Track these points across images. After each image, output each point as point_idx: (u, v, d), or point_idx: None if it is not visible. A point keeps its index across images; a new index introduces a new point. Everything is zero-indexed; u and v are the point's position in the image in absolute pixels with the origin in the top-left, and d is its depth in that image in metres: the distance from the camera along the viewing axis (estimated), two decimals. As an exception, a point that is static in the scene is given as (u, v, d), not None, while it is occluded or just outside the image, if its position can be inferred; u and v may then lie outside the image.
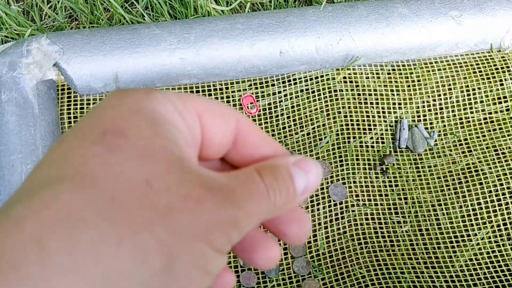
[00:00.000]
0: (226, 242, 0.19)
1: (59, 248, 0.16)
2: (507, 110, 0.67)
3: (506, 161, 0.64)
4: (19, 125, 0.57)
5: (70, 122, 0.63)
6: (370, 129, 0.66)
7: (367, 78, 0.68)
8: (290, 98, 0.67)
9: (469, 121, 0.67)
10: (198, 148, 0.22)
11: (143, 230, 0.17)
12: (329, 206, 0.62)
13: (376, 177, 0.64)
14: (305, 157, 0.23)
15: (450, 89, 0.69)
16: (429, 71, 0.69)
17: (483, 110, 0.67)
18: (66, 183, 0.18)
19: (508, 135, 0.66)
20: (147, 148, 0.19)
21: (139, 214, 0.18)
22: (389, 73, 0.69)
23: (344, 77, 0.68)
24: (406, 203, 0.63)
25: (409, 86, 0.68)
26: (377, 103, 0.67)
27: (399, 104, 0.68)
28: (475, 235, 0.61)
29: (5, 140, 0.56)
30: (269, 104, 0.67)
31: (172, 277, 0.18)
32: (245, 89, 0.67)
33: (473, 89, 0.68)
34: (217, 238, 0.19)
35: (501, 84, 0.68)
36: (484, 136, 0.66)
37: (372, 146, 0.66)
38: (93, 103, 0.64)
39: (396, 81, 0.69)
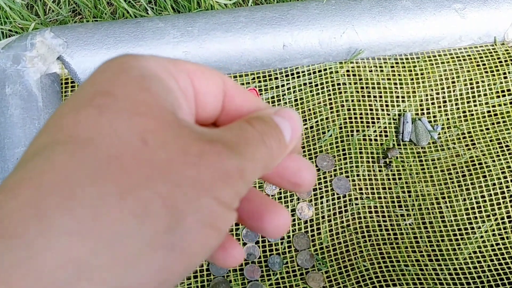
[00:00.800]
0: (234, 195, 0.19)
1: (57, 210, 0.16)
2: (511, 103, 0.67)
3: (510, 154, 0.64)
4: (23, 118, 0.57)
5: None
6: (373, 123, 0.66)
7: (371, 71, 0.68)
8: (294, 92, 0.67)
9: (472, 114, 0.67)
10: (193, 110, 0.22)
11: (144, 187, 0.17)
12: (333, 199, 0.62)
13: (380, 170, 0.64)
14: (283, 107, 0.23)
15: (453, 82, 0.68)
16: (432, 64, 0.69)
17: (486, 103, 0.67)
18: (59, 147, 0.17)
19: (512, 128, 0.66)
20: (138, 105, 0.18)
21: (138, 171, 0.17)
22: (392, 66, 0.69)
23: (348, 71, 0.68)
24: (409, 196, 0.63)
25: (412, 79, 0.68)
26: (381, 96, 0.67)
27: (403, 97, 0.68)
28: (479, 227, 0.61)
29: (10, 133, 0.56)
30: (272, 97, 0.67)
31: (178, 235, 0.17)
32: (249, 83, 0.67)
33: (477, 82, 0.68)
34: (224, 191, 0.18)
35: (505, 77, 0.68)
36: (488, 129, 0.66)
37: (376, 140, 0.66)
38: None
39: (399, 74, 0.68)
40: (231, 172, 0.19)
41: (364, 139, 0.65)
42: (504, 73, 0.68)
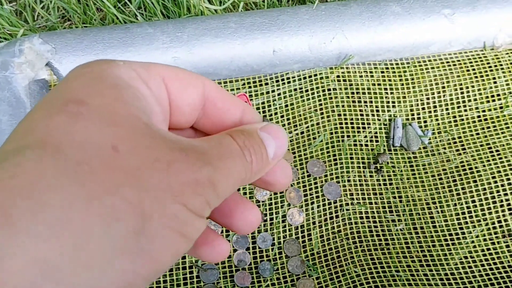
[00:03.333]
0: (203, 204, 0.19)
1: (25, 214, 0.16)
2: (501, 107, 0.67)
3: (500, 158, 0.64)
4: (11, 124, 0.57)
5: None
6: (364, 128, 0.66)
7: (361, 76, 0.68)
8: (284, 97, 0.67)
9: (462, 119, 0.67)
10: (167, 115, 0.22)
11: (112, 192, 0.17)
12: (323, 205, 0.62)
13: (371, 176, 0.64)
14: (270, 123, 0.23)
15: (443, 87, 0.69)
16: (422, 70, 0.69)
17: (476, 108, 0.67)
18: (29, 151, 0.17)
19: (502, 133, 0.66)
20: (110, 114, 0.18)
21: (107, 177, 0.17)
22: (382, 72, 0.69)
23: (338, 76, 0.68)
24: (400, 201, 0.63)
25: (402, 84, 0.68)
26: (371, 102, 0.67)
27: (393, 102, 0.68)
28: (470, 233, 0.61)
29: (-3, 140, 0.56)
30: (263, 103, 0.67)
31: (145, 239, 0.18)
32: (239, 88, 0.67)
33: (467, 87, 0.68)
34: (192, 199, 0.19)
35: (495, 82, 0.68)
36: (478, 134, 0.66)
37: (366, 145, 0.65)
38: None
39: (389, 80, 0.68)
40: (201, 182, 0.19)
41: (355, 145, 0.65)
42: (494, 78, 0.68)
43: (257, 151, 0.22)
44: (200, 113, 0.23)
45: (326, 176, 0.63)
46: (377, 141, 0.66)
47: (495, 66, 0.69)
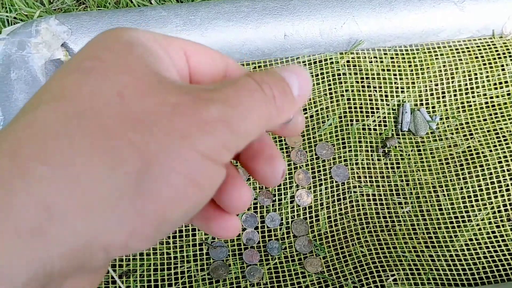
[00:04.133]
0: (217, 147, 0.18)
1: (32, 158, 0.17)
2: (508, 94, 0.68)
3: (506, 144, 0.65)
4: (28, 102, 0.58)
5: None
6: (373, 112, 0.67)
7: (371, 62, 0.69)
8: (294, 81, 0.68)
9: (470, 105, 0.68)
10: (186, 81, 0.22)
11: (116, 136, 0.17)
12: (331, 187, 0.63)
13: (378, 159, 0.65)
14: (293, 65, 0.22)
15: (452, 74, 0.69)
16: (432, 56, 0.70)
17: (484, 95, 0.68)
18: (42, 105, 0.18)
19: (509, 119, 0.66)
20: (120, 65, 0.19)
21: (111, 122, 0.17)
22: (392, 58, 0.70)
23: (348, 61, 0.69)
24: (407, 184, 0.64)
25: (412, 70, 0.69)
26: (380, 87, 0.68)
27: (402, 88, 0.68)
28: (475, 216, 0.62)
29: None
30: (273, 86, 0.68)
31: (149, 181, 0.17)
32: (250, 72, 0.68)
33: (475, 74, 0.69)
34: (202, 140, 0.18)
35: (503, 70, 0.69)
36: (485, 119, 0.67)
37: (375, 129, 0.66)
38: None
39: (399, 66, 0.69)
40: (209, 121, 0.18)
41: (364, 129, 0.66)
42: (502, 66, 0.69)
43: (278, 85, 0.20)
44: None
45: (334, 158, 0.64)
46: (385, 125, 0.67)
47: (503, 53, 0.70)
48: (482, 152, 0.65)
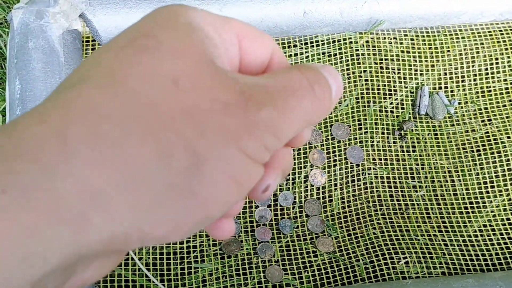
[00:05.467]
0: (261, 149, 0.18)
1: (80, 140, 0.16)
2: (530, 80, 0.67)
3: (525, 131, 0.64)
4: (45, 72, 0.58)
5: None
6: (390, 95, 0.66)
7: (390, 43, 0.68)
8: (312, 60, 0.67)
9: (490, 90, 0.67)
10: (236, 66, 0.22)
11: (168, 128, 0.17)
12: (346, 168, 0.63)
13: (394, 142, 0.64)
14: (327, 65, 0.22)
15: (473, 57, 0.68)
16: (452, 39, 0.69)
17: (505, 80, 0.67)
18: (91, 81, 0.17)
19: (530, 105, 0.65)
20: (177, 49, 0.18)
21: (164, 112, 0.17)
22: (412, 39, 0.69)
23: (367, 41, 0.68)
24: (422, 168, 0.63)
25: (432, 53, 0.68)
26: (399, 69, 0.67)
27: (421, 71, 0.67)
28: (490, 202, 0.61)
29: (31, 86, 0.57)
30: (291, 64, 0.67)
31: (197, 181, 0.17)
32: (268, 49, 0.67)
33: (496, 59, 0.68)
34: (248, 143, 0.18)
35: (525, 55, 0.68)
36: (504, 105, 0.66)
37: (392, 111, 0.66)
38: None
39: (419, 48, 0.68)
40: (258, 124, 0.18)
41: (380, 111, 0.65)
42: (525, 51, 0.68)
43: (326, 86, 0.20)
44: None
45: (350, 140, 0.64)
46: (402, 108, 0.66)
47: (527, 39, 0.68)
48: (500, 139, 0.64)
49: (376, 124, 0.65)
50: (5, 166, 0.15)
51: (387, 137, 0.64)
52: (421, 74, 0.67)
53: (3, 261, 0.14)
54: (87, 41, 0.65)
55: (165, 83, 0.17)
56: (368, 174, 0.63)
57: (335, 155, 0.63)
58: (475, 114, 0.66)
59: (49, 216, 0.15)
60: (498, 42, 0.69)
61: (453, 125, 0.65)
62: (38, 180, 0.15)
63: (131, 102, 0.17)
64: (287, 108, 0.19)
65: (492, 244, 0.59)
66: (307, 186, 0.62)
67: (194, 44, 0.18)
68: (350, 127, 0.64)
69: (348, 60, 0.67)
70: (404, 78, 0.67)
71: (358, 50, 0.67)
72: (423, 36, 0.69)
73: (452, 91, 0.67)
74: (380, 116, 0.65)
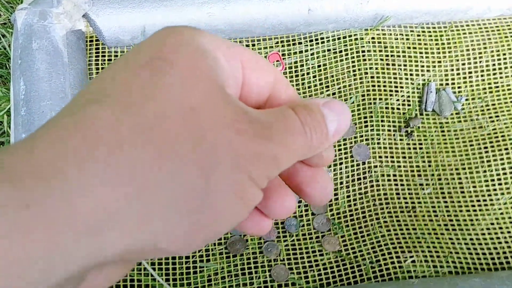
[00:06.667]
0: (264, 177, 0.20)
1: (99, 160, 0.17)
2: (539, 76, 0.66)
3: (534, 127, 0.63)
4: (49, 72, 0.58)
5: (98, 73, 0.64)
6: (396, 91, 0.66)
7: (396, 39, 0.67)
8: (317, 57, 0.66)
9: (498, 86, 0.66)
10: (238, 95, 0.23)
11: (184, 151, 0.18)
12: (352, 166, 0.62)
13: (401, 139, 0.64)
14: (334, 99, 0.23)
15: (480, 53, 0.67)
16: (459, 35, 0.68)
17: (513, 76, 0.66)
18: (110, 101, 0.18)
19: (538, 101, 0.64)
20: (192, 77, 0.19)
21: (180, 135, 0.18)
22: (418, 35, 0.68)
23: (373, 38, 0.67)
24: (429, 166, 0.63)
25: (438, 49, 0.67)
26: (405, 65, 0.67)
27: (428, 67, 0.67)
28: (498, 200, 0.61)
29: (36, 87, 0.57)
30: (295, 62, 0.66)
31: (209, 201, 0.18)
32: (272, 47, 0.67)
33: (504, 54, 0.67)
34: (256, 170, 0.19)
35: (534, 50, 0.67)
36: (513, 101, 0.65)
37: (398, 108, 0.65)
38: (121, 56, 0.64)
39: (425, 44, 0.67)
40: (265, 156, 0.19)
41: (387, 108, 0.65)
42: (533, 46, 0.67)
43: (317, 128, 0.22)
44: (263, 102, 0.24)
45: (356, 137, 0.63)
46: (409, 105, 0.65)
47: (535, 33, 0.67)
48: (508, 135, 0.63)
49: (382, 121, 0.64)
50: (29, 183, 0.16)
51: (394, 135, 0.64)
52: (427, 70, 0.67)
53: (26, 268, 0.15)
54: (91, 41, 0.65)
55: (182, 109, 0.18)
56: (375, 172, 0.62)
57: (341, 153, 0.63)
58: (483, 110, 0.65)
59: (67, 231, 0.16)
60: (506, 37, 0.68)
61: (460, 121, 0.64)
62: (58, 197, 0.16)
63: (149, 125, 0.18)
64: (286, 145, 0.20)
65: (500, 243, 0.58)
66: (312, 185, 0.62)
67: (207, 71, 0.20)
68: (356, 124, 0.64)
69: (353, 57, 0.66)
70: (411, 74, 0.66)
71: (363, 46, 0.67)
72: (430, 32, 0.68)
73: (459, 87, 0.66)
74: (386, 113, 0.65)
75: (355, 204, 0.61)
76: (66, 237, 0.16)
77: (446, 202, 0.61)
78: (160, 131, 0.18)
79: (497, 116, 0.64)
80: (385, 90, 0.65)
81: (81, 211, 0.16)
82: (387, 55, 0.67)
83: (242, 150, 0.19)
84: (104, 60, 0.65)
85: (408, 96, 0.65)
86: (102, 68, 0.64)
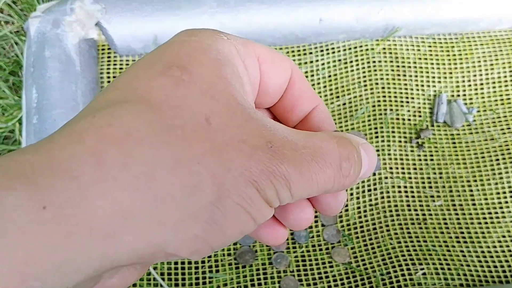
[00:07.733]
0: (274, 196, 0.20)
1: (116, 163, 0.17)
2: (551, 88, 0.65)
3: (546, 139, 0.63)
4: (61, 81, 0.58)
5: (109, 82, 0.64)
6: (407, 102, 0.65)
7: (407, 50, 0.67)
8: (328, 67, 0.66)
9: (509, 98, 0.66)
10: (255, 94, 0.23)
11: (199, 161, 0.18)
12: (362, 176, 0.62)
13: (412, 151, 0.64)
14: (367, 142, 0.23)
15: (492, 64, 0.67)
16: (471, 46, 0.68)
17: (525, 88, 0.66)
18: (129, 105, 0.18)
19: (550, 113, 0.64)
20: (209, 87, 0.19)
21: (196, 145, 0.18)
22: (429, 46, 0.68)
23: (384, 48, 0.67)
24: (440, 177, 0.62)
25: (449, 60, 0.67)
26: (416, 76, 0.66)
27: (439, 78, 0.67)
28: (510, 212, 0.60)
29: (48, 95, 0.58)
30: (306, 72, 0.66)
31: (220, 213, 0.18)
32: (283, 57, 0.67)
33: (516, 66, 0.67)
34: (266, 187, 0.19)
35: (546, 62, 0.66)
36: (524, 113, 0.64)
37: (409, 119, 0.65)
38: (138, 59, 0.65)
39: (436, 55, 0.67)
40: (276, 175, 0.19)
41: (397, 119, 0.65)
42: (545, 58, 0.67)
43: (356, 166, 0.21)
44: (281, 96, 0.24)
45: (366, 148, 0.63)
46: (420, 116, 0.65)
47: (547, 45, 0.67)
48: (520, 147, 0.63)
49: (393, 132, 0.64)
50: (46, 183, 0.16)
51: (404, 146, 0.64)
52: (438, 82, 0.66)
53: (42, 268, 0.15)
54: (103, 49, 0.65)
55: (198, 120, 0.18)
56: (385, 183, 0.62)
57: (351, 164, 0.62)
58: (494, 122, 0.65)
59: (83, 232, 0.16)
60: (518, 48, 0.67)
61: (471, 133, 0.64)
62: (74, 198, 0.16)
63: (166, 132, 0.18)
64: (308, 172, 0.20)
65: (511, 255, 0.58)
66: (322, 195, 0.61)
67: (224, 82, 0.20)
68: (366, 135, 0.64)
69: (364, 68, 0.66)
70: (422, 85, 0.66)
71: (374, 57, 0.67)
72: (441, 43, 0.68)
73: (470, 99, 0.66)
74: (397, 124, 0.64)
75: (365, 216, 0.61)
76: (81, 238, 0.16)
77: (457, 214, 0.60)
78: (177, 139, 0.18)
79: (509, 128, 0.64)
80: (396, 101, 0.65)
81: (97, 213, 0.16)
82: (398, 66, 0.67)
83: (255, 166, 0.19)
84: (116, 69, 0.65)
85: (419, 107, 0.65)
86: (113, 77, 0.65)
